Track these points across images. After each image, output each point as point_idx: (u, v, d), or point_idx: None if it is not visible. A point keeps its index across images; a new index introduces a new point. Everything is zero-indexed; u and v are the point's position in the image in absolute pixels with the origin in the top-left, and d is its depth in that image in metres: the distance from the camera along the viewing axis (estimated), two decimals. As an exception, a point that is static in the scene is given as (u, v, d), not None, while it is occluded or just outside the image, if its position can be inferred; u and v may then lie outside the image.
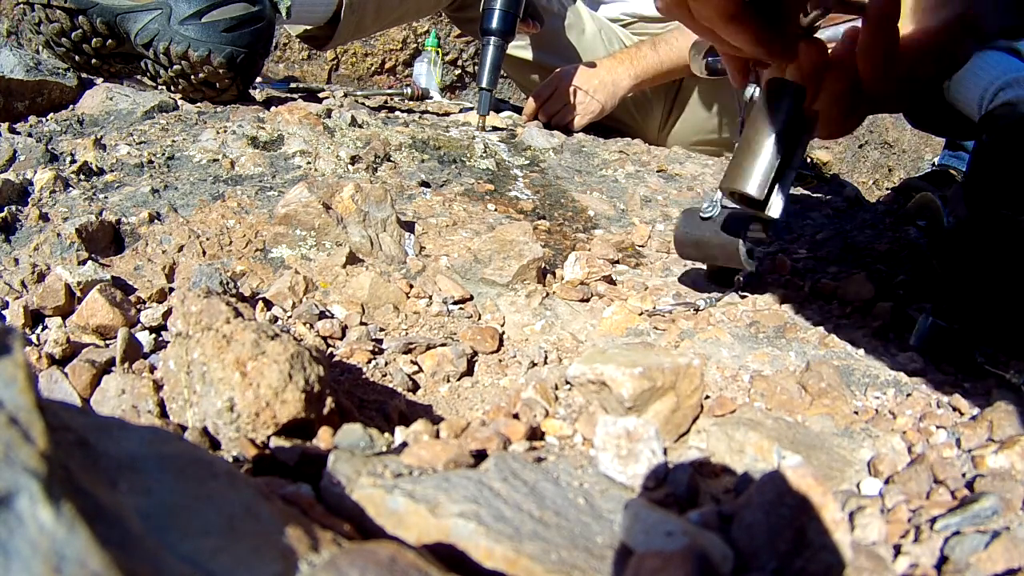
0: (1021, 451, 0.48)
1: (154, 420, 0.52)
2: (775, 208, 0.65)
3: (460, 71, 2.97)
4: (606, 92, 1.65)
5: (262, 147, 1.08)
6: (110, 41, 1.22)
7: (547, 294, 0.83)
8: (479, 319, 0.79)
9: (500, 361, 0.72)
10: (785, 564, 0.35)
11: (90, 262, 0.75)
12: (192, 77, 1.22)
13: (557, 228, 1.04)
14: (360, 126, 1.24)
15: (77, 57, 1.24)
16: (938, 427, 0.55)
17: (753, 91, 0.64)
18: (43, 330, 0.67)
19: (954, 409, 0.58)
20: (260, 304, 0.72)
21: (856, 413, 0.58)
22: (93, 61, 1.25)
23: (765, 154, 0.63)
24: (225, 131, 1.10)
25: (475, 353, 0.72)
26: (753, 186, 0.63)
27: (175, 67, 1.20)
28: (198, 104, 1.26)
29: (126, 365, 0.59)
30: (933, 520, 0.43)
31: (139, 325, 0.68)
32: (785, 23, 0.54)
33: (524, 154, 1.32)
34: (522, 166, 1.26)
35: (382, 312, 0.76)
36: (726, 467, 0.49)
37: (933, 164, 1.94)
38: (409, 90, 1.73)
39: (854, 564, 0.37)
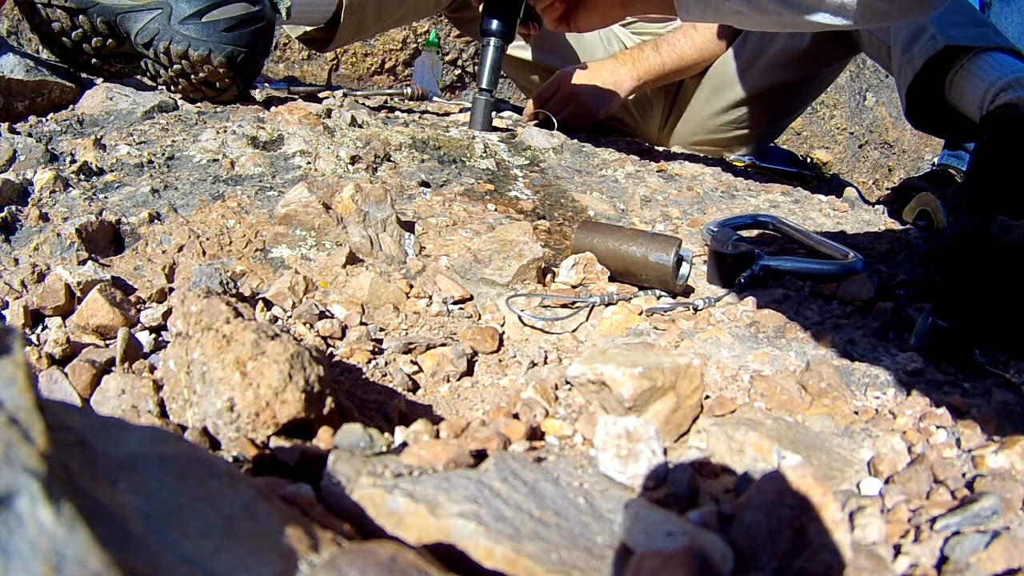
0: (1021, 451, 0.48)
1: (154, 420, 0.52)
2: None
3: (460, 71, 2.96)
4: (608, 94, 1.65)
5: (262, 147, 1.08)
6: (110, 41, 1.22)
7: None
8: (479, 319, 0.79)
9: (500, 361, 0.72)
10: (785, 564, 0.35)
11: (90, 262, 0.75)
12: (192, 77, 1.22)
13: (557, 228, 1.04)
14: (360, 126, 1.24)
15: (77, 57, 1.24)
16: (938, 427, 0.55)
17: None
18: (43, 330, 0.67)
19: (954, 409, 0.58)
20: (260, 304, 0.72)
21: (856, 413, 0.58)
22: (93, 61, 1.25)
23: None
24: (225, 131, 1.10)
25: (475, 353, 0.72)
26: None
27: (175, 67, 1.20)
28: (198, 104, 1.26)
29: (126, 365, 0.59)
30: (933, 520, 0.43)
31: (139, 325, 0.68)
32: None
33: (524, 154, 1.32)
34: (522, 166, 1.26)
35: (382, 312, 0.76)
36: (726, 467, 0.49)
37: (933, 164, 1.94)
38: (409, 90, 1.73)
39: (854, 564, 0.37)
